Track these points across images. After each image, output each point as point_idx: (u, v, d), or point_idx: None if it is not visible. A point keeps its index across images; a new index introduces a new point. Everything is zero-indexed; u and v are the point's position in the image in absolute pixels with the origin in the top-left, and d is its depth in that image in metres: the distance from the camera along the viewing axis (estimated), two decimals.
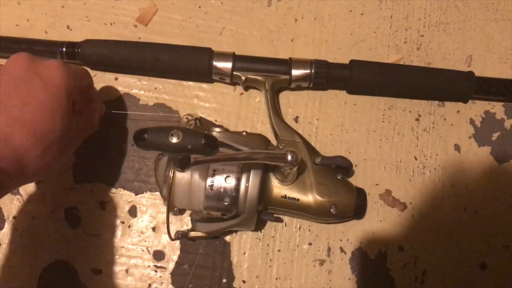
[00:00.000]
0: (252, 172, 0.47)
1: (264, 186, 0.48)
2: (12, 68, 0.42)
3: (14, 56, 0.43)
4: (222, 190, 0.46)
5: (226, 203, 0.47)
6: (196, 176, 0.47)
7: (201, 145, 0.35)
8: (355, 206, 0.50)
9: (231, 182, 0.46)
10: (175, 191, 0.47)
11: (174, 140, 0.35)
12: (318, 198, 0.49)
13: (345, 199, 0.50)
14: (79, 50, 0.54)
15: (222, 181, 0.46)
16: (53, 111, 0.41)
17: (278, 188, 0.49)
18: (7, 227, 0.53)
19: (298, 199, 0.49)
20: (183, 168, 0.39)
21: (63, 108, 0.42)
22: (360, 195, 0.51)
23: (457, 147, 0.57)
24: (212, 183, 0.46)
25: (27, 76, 0.41)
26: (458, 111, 0.58)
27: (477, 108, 0.58)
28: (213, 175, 0.47)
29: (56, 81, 0.42)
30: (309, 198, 0.49)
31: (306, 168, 0.50)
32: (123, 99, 0.57)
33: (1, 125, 0.38)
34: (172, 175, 0.45)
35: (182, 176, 0.47)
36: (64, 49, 0.54)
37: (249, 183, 0.47)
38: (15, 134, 0.39)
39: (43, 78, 0.42)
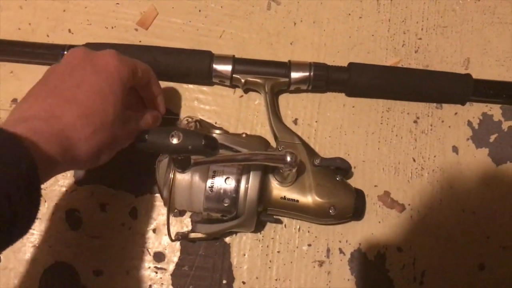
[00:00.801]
0: (251, 173, 0.47)
1: (263, 188, 0.49)
2: (69, 58, 0.44)
3: (71, 49, 0.46)
4: (222, 191, 0.47)
5: (226, 204, 0.47)
6: (196, 178, 0.47)
7: (201, 145, 0.36)
8: (354, 207, 0.51)
9: (231, 184, 0.47)
10: (176, 192, 0.47)
11: (175, 141, 0.36)
12: (317, 199, 0.49)
13: (344, 200, 0.50)
14: None
15: (222, 183, 0.47)
16: (105, 95, 0.42)
17: (278, 190, 0.50)
18: None
19: (297, 200, 0.49)
20: (183, 169, 0.40)
21: (116, 94, 0.43)
22: (359, 196, 0.51)
23: (455, 149, 0.57)
24: (212, 185, 0.47)
25: (81, 63, 0.43)
26: (456, 113, 0.58)
27: (474, 110, 0.58)
28: (213, 177, 0.47)
29: (107, 66, 0.43)
30: (308, 199, 0.49)
31: (305, 169, 0.50)
32: None
33: (53, 106, 0.39)
34: (172, 176, 0.46)
35: (182, 178, 0.47)
36: (65, 53, 0.55)
37: (249, 185, 0.47)
38: (65, 113, 0.39)
39: (95, 65, 0.43)
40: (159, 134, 0.35)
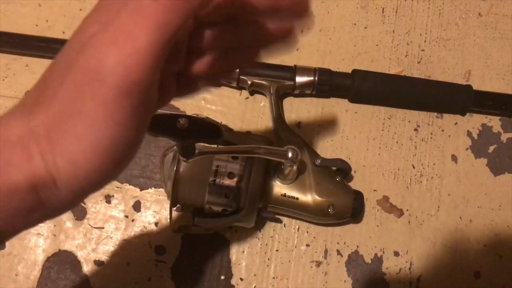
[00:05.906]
0: (254, 169, 0.48)
1: (265, 184, 0.50)
2: None
3: None
4: (224, 186, 0.48)
5: (227, 199, 0.48)
6: (200, 172, 0.49)
7: (206, 131, 0.37)
8: (353, 207, 0.52)
9: (233, 179, 0.48)
10: (179, 186, 0.49)
11: (181, 126, 0.37)
12: (317, 197, 0.50)
13: (343, 200, 0.51)
14: None
15: (225, 177, 0.48)
16: None
17: (279, 187, 0.51)
18: None
19: (297, 198, 0.51)
20: (187, 157, 0.41)
21: None
22: (358, 197, 0.52)
23: (454, 158, 0.58)
24: (215, 179, 0.48)
25: None
26: (456, 123, 0.59)
27: (474, 121, 0.59)
28: (216, 171, 0.48)
29: None
30: (308, 197, 0.51)
31: (306, 169, 0.52)
32: None
33: None
34: (176, 168, 0.47)
35: (186, 172, 0.49)
36: None
37: (251, 180, 0.48)
38: None
39: None
40: (166, 119, 0.37)
